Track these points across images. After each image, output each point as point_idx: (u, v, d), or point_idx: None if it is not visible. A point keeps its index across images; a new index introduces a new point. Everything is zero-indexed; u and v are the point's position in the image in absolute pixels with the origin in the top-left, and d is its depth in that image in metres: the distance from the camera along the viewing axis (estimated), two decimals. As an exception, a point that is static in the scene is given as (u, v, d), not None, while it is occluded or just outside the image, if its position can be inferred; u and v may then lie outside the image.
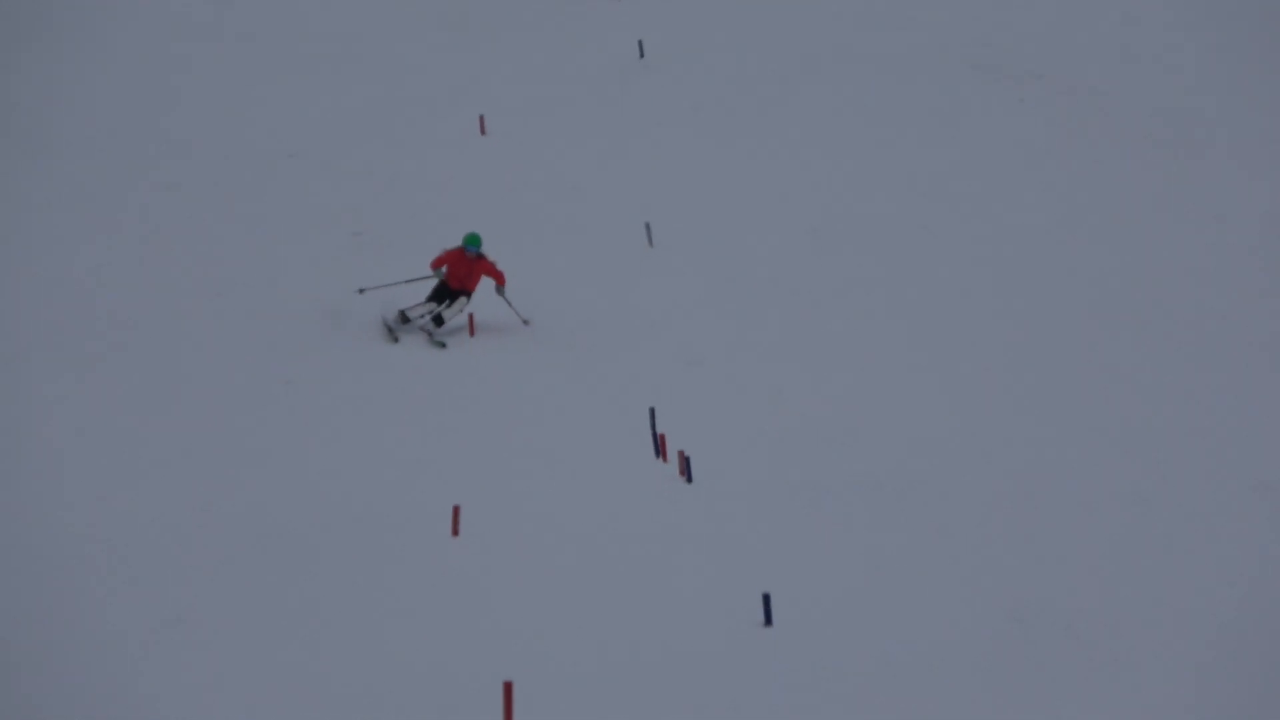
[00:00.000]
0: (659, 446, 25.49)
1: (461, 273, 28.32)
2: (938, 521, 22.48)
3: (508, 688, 15.62)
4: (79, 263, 31.63)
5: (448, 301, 28.40)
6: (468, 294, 28.51)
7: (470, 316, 29.55)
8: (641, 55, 42.63)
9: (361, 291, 28.78)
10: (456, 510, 22.91)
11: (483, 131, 38.40)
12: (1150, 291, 31.52)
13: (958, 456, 25.08)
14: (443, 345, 28.04)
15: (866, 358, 29.16)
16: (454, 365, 29.08)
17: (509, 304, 28.80)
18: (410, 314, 28.34)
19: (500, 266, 28.76)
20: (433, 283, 28.82)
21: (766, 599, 18.74)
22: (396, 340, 27.78)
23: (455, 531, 22.76)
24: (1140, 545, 21.37)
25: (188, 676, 17.46)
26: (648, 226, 33.83)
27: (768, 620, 18.89)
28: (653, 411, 26.26)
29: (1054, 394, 27.60)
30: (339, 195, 35.16)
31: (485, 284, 28.46)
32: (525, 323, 28.63)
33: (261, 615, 19.16)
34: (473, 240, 28.30)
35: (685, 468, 24.68)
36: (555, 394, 26.48)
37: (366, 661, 17.94)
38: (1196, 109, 39.27)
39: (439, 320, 28.45)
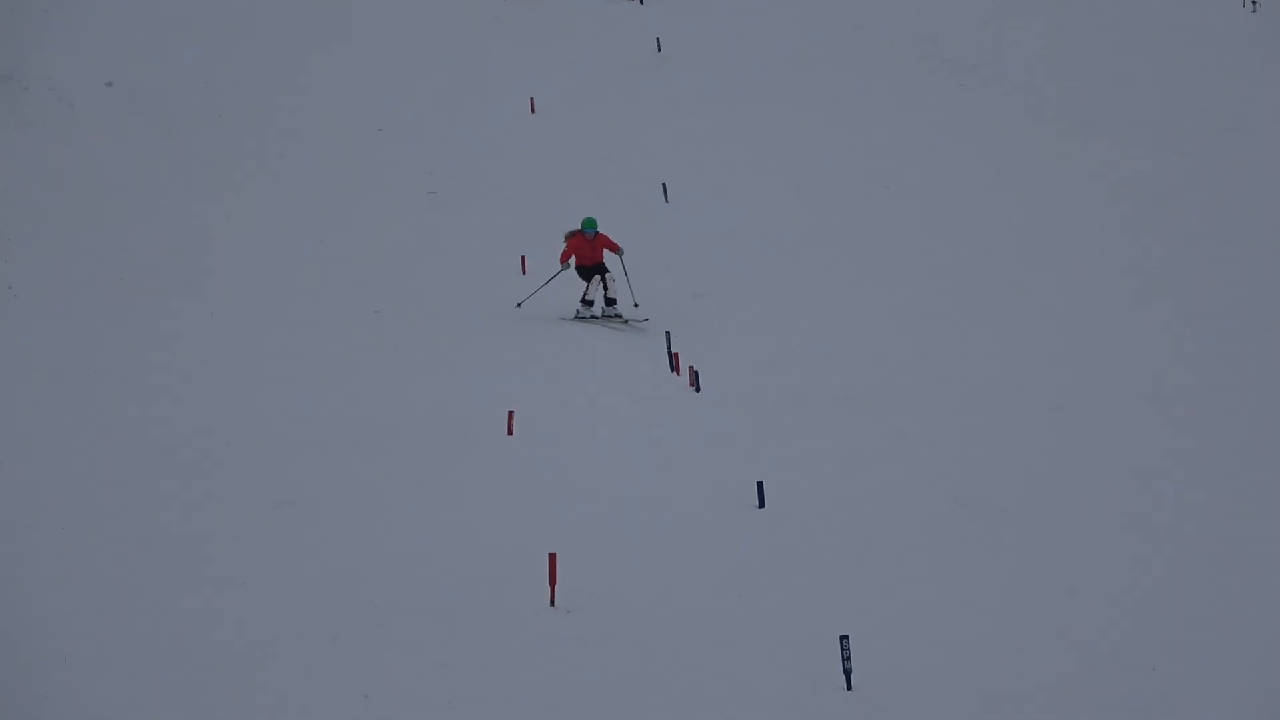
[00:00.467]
0: (673, 363, 25.33)
1: (586, 253, 26.52)
2: (897, 425, 22.42)
3: (552, 559, 15.26)
4: (214, 211, 31.68)
5: (599, 281, 26.47)
6: (602, 266, 26.65)
7: (522, 259, 29.54)
8: (659, 50, 42.53)
9: (519, 305, 26.65)
10: (511, 415, 22.70)
11: (532, 111, 38.22)
12: (1046, 230, 32.17)
13: (913, 371, 25.08)
14: (625, 320, 26.40)
15: (840, 291, 29.25)
16: (507, 300, 28.62)
17: (624, 272, 26.84)
18: (589, 295, 26.56)
19: (614, 238, 27.00)
20: (573, 274, 26.87)
21: (760, 486, 18.67)
22: (593, 317, 26.40)
23: (510, 431, 22.44)
24: (1058, 442, 21.32)
25: (297, 548, 17.38)
26: (664, 186, 33.97)
27: (760, 503, 18.86)
28: (668, 335, 26.08)
29: (986, 317, 27.63)
30: (417, 162, 35.15)
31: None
32: (635, 305, 26.81)
33: (354, 499, 19.01)
34: (589, 224, 26.54)
35: (694, 380, 24.53)
36: (588, 320, 26.65)
37: (437, 536, 17.82)
38: (1088, 94, 39.37)
39: (611, 301, 26.59)
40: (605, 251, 26.73)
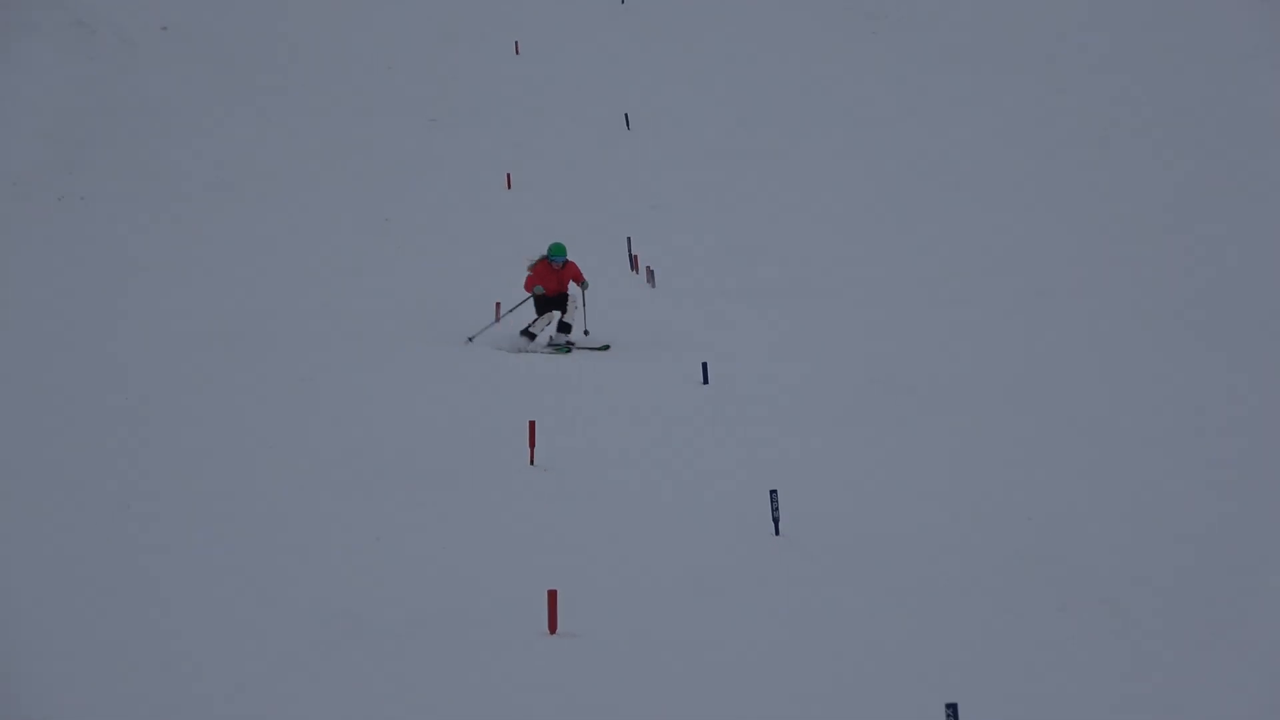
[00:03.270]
0: (633, 263, 25.39)
1: (551, 283, 20.56)
2: (822, 307, 22.44)
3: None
4: (251, 133, 31.36)
5: (557, 312, 20.61)
6: (563, 298, 20.67)
7: (508, 175, 29.19)
8: (623, 2, 41.80)
9: (470, 340, 20.34)
10: (498, 306, 22.09)
11: (517, 52, 37.56)
12: (946, 156, 31.60)
13: (840, 265, 25.15)
14: (568, 349, 20.46)
15: (772, 198, 29.16)
16: (497, 209, 28.29)
17: (582, 305, 20.85)
18: (534, 329, 20.54)
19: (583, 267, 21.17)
20: (530, 305, 20.91)
21: (704, 366, 18.67)
22: (536, 350, 20.47)
23: (497, 318, 21.72)
24: (952, 327, 21.11)
25: (318, 414, 16.93)
26: (626, 116, 33.44)
27: (705, 379, 18.57)
28: (629, 240, 25.95)
29: (893, 219, 27.49)
30: (419, 93, 34.45)
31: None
32: (585, 333, 20.72)
33: (369, 375, 18.68)
34: (558, 250, 20.59)
35: (650, 277, 24.55)
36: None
37: (441, 401, 17.38)
38: (978, 34, 38.68)
39: (565, 328, 20.62)
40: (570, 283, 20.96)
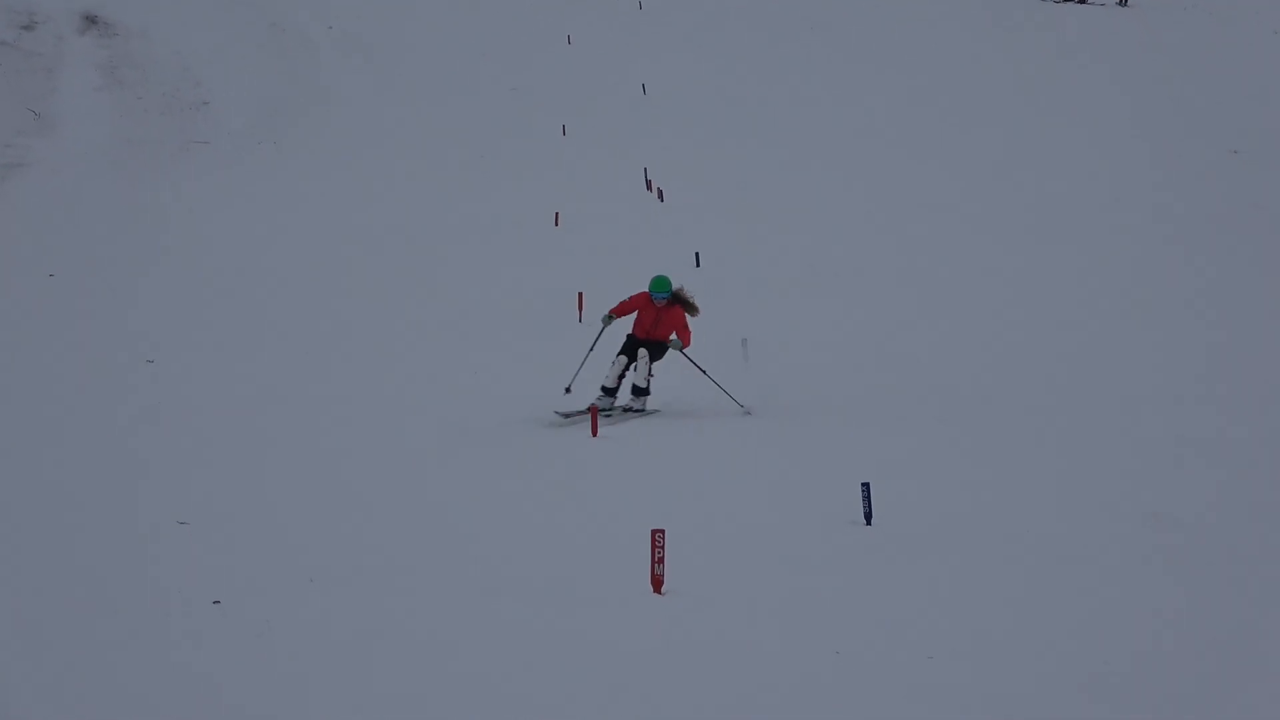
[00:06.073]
0: (649, 185, 25.47)
1: (648, 322, 13.86)
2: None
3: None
4: (399, 114, 30.82)
5: (634, 365, 13.81)
6: (655, 346, 13.84)
7: (563, 126, 29.38)
8: (640, 8, 40.45)
9: (568, 391, 13.95)
10: (557, 214, 22.93)
11: (569, 43, 36.34)
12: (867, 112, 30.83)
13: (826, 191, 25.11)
14: (644, 411, 14.03)
15: (760, 163, 27.63)
16: (555, 155, 27.85)
17: (690, 360, 14.13)
18: (603, 404, 13.70)
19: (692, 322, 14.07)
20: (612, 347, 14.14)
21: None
22: (614, 414, 13.93)
23: (557, 223, 22.68)
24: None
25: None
26: (643, 86, 32.78)
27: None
28: (645, 169, 26.09)
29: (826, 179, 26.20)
30: (498, 74, 33.90)
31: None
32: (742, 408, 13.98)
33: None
34: (661, 285, 13.77)
35: (660, 195, 24.79)
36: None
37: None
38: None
39: (639, 391, 13.89)
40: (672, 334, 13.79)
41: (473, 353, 16.21)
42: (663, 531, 8.43)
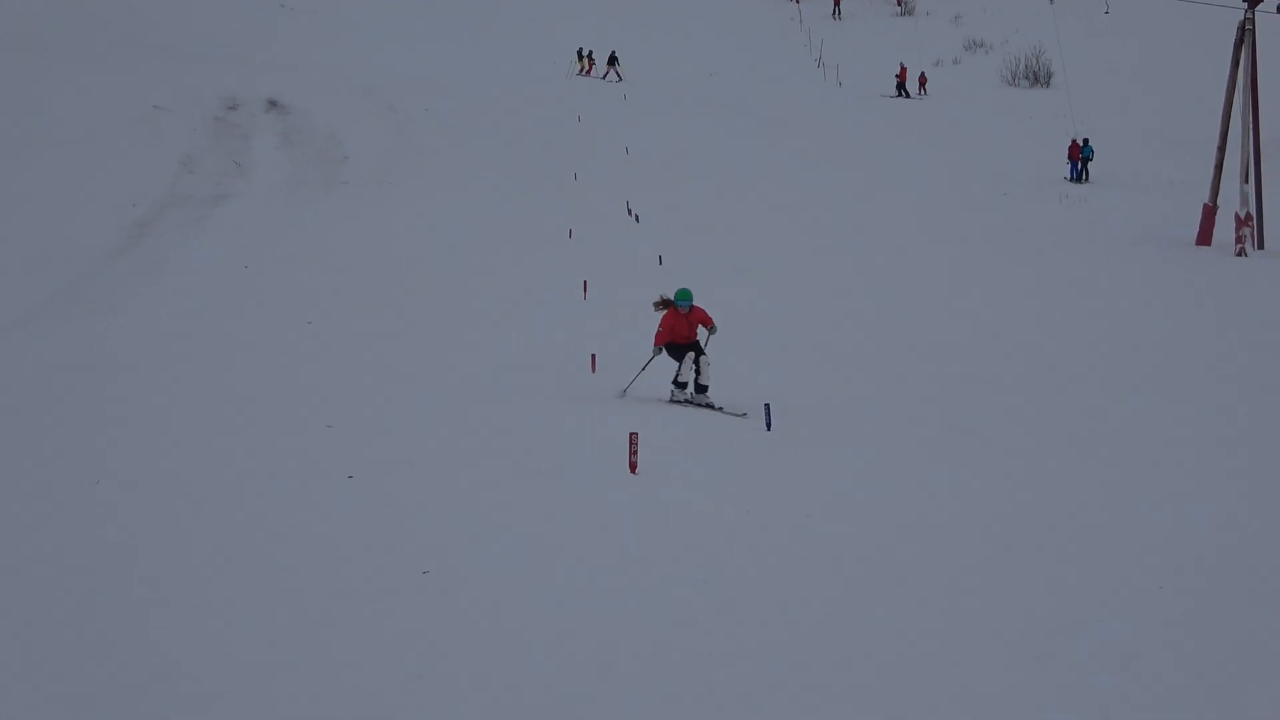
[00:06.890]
0: (630, 212, 24.41)
1: (682, 331, 11.88)
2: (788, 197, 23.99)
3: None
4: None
5: (693, 367, 11.80)
6: (696, 345, 11.93)
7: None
8: (625, 99, 37.77)
9: (624, 394, 11.83)
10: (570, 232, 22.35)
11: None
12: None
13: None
14: (718, 408, 11.49)
15: (699, 188, 27.09)
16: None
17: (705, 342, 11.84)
18: (682, 377, 11.82)
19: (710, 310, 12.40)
20: (666, 356, 12.10)
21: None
22: (687, 401, 11.72)
23: (569, 236, 21.98)
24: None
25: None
26: (627, 148, 31.24)
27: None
28: (628, 202, 25.08)
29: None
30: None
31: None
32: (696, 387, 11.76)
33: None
34: (684, 295, 11.84)
35: (637, 219, 23.53)
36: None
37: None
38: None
39: (702, 389, 11.83)
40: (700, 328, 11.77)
41: (517, 317, 16.00)
42: (636, 434, 8.26)
